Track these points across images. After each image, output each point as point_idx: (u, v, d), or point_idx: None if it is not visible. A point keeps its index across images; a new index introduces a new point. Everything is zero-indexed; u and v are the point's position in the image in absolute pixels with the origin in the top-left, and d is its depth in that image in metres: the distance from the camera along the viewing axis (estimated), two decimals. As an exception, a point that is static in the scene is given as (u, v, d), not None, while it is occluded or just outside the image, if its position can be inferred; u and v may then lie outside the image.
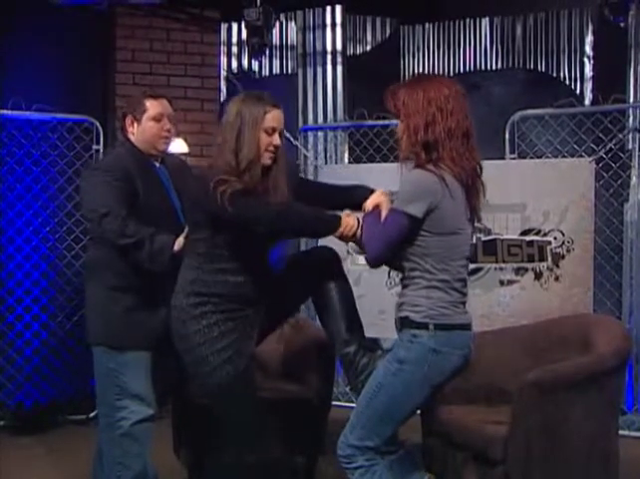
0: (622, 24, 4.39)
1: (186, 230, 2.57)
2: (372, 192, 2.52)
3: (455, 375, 2.38)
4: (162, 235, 2.61)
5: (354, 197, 2.54)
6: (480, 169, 2.36)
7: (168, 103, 2.81)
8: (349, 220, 2.39)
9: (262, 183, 2.45)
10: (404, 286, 2.36)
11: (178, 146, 4.39)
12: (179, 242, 2.58)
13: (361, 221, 2.41)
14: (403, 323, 2.33)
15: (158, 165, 2.80)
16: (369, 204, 2.44)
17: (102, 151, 4.51)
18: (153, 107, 2.74)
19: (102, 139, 4.51)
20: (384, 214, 2.37)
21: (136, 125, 2.75)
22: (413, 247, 2.30)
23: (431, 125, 2.27)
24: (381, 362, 2.40)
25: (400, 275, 2.40)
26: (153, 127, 2.74)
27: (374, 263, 2.37)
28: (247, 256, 2.49)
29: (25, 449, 3.93)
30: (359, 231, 2.39)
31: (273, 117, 2.44)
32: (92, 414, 4.42)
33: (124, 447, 2.72)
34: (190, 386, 2.88)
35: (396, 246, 2.30)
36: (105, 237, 2.65)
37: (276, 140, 2.45)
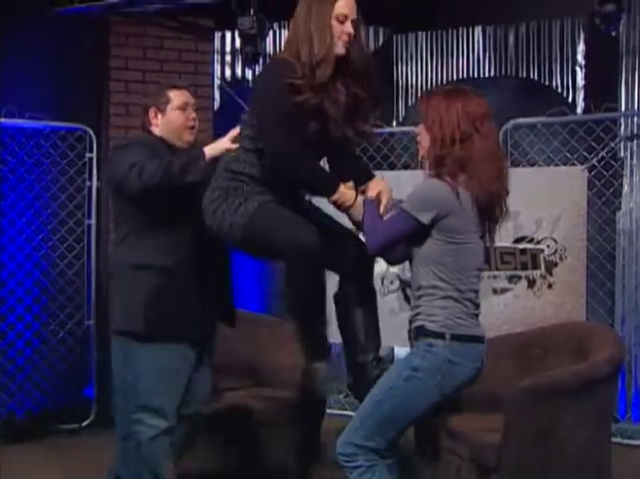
0: (613, 33, 4.42)
1: (234, 131, 2.47)
2: (371, 176, 2.49)
3: (465, 387, 2.38)
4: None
5: (355, 175, 2.47)
6: (507, 192, 2.36)
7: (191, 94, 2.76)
8: (347, 192, 2.37)
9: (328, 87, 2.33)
10: (418, 297, 2.35)
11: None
12: (227, 145, 2.46)
13: (359, 201, 2.38)
14: (418, 333, 2.33)
15: None
16: (372, 191, 2.41)
17: (95, 159, 4.51)
18: (176, 97, 2.69)
19: (95, 147, 4.51)
20: (384, 201, 2.37)
21: (160, 116, 2.68)
22: (424, 254, 2.32)
23: (467, 142, 2.26)
24: (392, 367, 2.39)
25: (413, 287, 2.40)
26: (179, 116, 2.68)
27: (372, 254, 2.39)
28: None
29: (17, 458, 3.90)
30: (355, 207, 2.37)
31: (344, 4, 2.35)
32: (84, 423, 4.42)
33: (138, 461, 2.61)
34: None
35: (397, 244, 2.35)
36: (140, 189, 2.49)
37: (348, 28, 2.34)
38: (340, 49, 2.35)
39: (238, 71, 5.36)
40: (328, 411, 3.77)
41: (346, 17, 2.35)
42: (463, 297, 2.31)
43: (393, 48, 5.49)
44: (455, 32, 5.38)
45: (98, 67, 4.63)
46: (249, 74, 5.33)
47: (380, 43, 5.50)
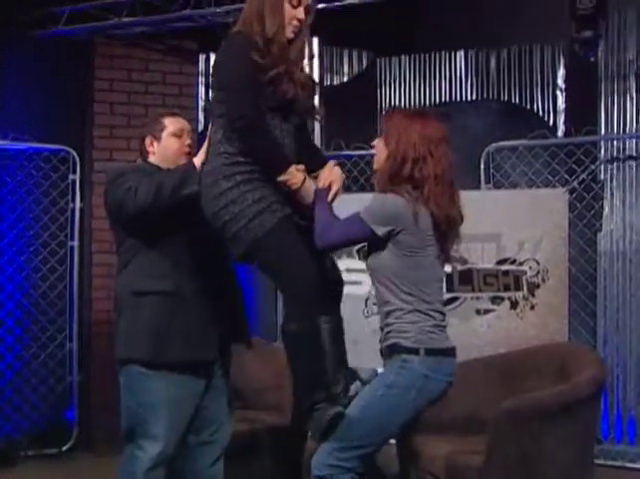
0: (592, 58, 4.49)
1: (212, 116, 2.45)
2: (324, 162, 2.47)
3: (437, 402, 2.39)
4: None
5: (308, 159, 2.45)
6: (462, 218, 2.40)
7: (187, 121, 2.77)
8: (297, 174, 2.33)
9: (287, 59, 2.35)
10: (387, 315, 2.36)
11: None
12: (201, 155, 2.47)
13: (309, 186, 2.35)
14: (392, 350, 2.34)
15: None
16: (324, 180, 2.40)
17: (78, 180, 4.50)
18: (171, 124, 2.70)
19: (78, 168, 4.51)
20: (334, 189, 2.37)
21: (155, 144, 2.69)
22: (385, 269, 2.33)
23: (420, 162, 2.31)
24: (367, 387, 2.38)
25: (378, 304, 2.41)
26: (174, 143, 2.69)
27: (323, 249, 2.38)
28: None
29: None
30: (303, 189, 2.33)
31: None
32: (64, 447, 4.37)
33: None
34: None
35: (349, 245, 2.53)
36: (136, 210, 2.50)
37: (300, 13, 2.37)
38: (288, 33, 2.38)
39: (222, 93, 5.39)
40: None
41: (300, 2, 2.38)
42: (430, 309, 2.33)
43: (376, 71, 5.53)
44: (437, 56, 5.43)
45: (82, 89, 4.64)
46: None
47: (364, 66, 5.56)
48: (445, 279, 4.01)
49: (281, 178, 2.32)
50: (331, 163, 2.48)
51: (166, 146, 2.69)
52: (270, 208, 2.33)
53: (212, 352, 2.63)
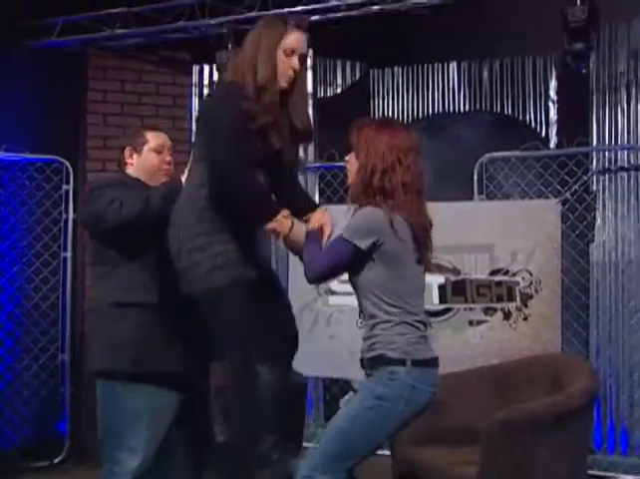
0: (584, 70, 4.51)
1: (192, 157, 2.47)
2: (314, 206, 2.53)
3: (422, 413, 2.39)
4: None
5: (296, 205, 2.49)
6: (431, 226, 2.43)
7: (168, 137, 2.78)
8: (284, 221, 2.36)
9: (277, 110, 2.36)
10: (373, 327, 2.37)
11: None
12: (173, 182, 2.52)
13: (298, 229, 2.38)
14: (378, 362, 2.34)
15: None
16: (314, 222, 2.44)
17: (72, 191, 4.50)
18: (153, 139, 2.72)
19: (72, 179, 4.51)
20: (326, 232, 2.42)
21: (135, 156, 2.71)
22: (368, 283, 2.35)
23: (389, 172, 2.33)
24: (355, 396, 2.38)
25: (364, 318, 2.41)
26: (154, 158, 2.71)
27: (311, 282, 2.45)
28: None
29: None
30: (295, 235, 2.37)
31: (295, 38, 2.37)
32: (56, 460, 4.35)
33: None
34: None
35: (336, 271, 2.41)
36: (119, 223, 2.52)
37: (295, 62, 2.37)
38: (282, 83, 2.38)
39: (216, 104, 5.41)
40: (305, 444, 3.75)
41: (293, 51, 2.37)
42: (415, 320, 2.36)
43: (369, 82, 5.56)
44: (430, 67, 5.46)
45: (76, 100, 4.66)
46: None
47: (357, 78, 5.59)
48: (437, 290, 4.07)
49: (269, 226, 2.34)
50: (322, 207, 2.52)
51: (146, 160, 2.71)
52: (229, 265, 2.34)
53: (194, 366, 2.63)
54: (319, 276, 2.42)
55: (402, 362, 2.31)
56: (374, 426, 2.32)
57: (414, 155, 2.38)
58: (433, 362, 2.39)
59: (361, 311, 2.44)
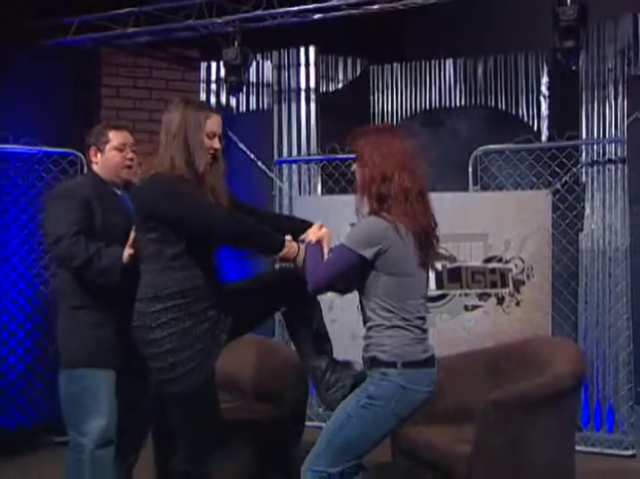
0: (574, 67, 4.58)
1: (132, 235, 2.57)
2: (308, 224, 2.58)
3: (421, 408, 2.45)
4: (111, 247, 2.61)
5: (290, 227, 2.58)
6: (435, 224, 2.44)
7: (130, 134, 2.87)
8: (292, 245, 2.44)
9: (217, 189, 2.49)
10: (369, 328, 2.41)
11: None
12: (127, 252, 2.58)
13: (302, 248, 2.46)
14: (372, 363, 2.39)
15: (119, 192, 2.84)
16: (311, 236, 2.48)
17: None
18: (115, 137, 2.80)
19: (85, 171, 4.64)
20: (325, 246, 2.46)
21: (99, 155, 2.81)
22: (369, 289, 2.37)
23: (388, 180, 2.34)
24: (353, 393, 2.44)
25: (363, 320, 2.45)
26: (115, 156, 2.80)
27: (315, 292, 2.44)
28: (197, 254, 2.48)
29: (9, 472, 3.93)
30: (300, 256, 2.44)
31: (213, 122, 2.51)
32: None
33: (83, 473, 2.69)
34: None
35: (340, 279, 2.38)
36: (58, 261, 2.75)
37: (216, 143, 2.51)
38: (208, 161, 2.49)
39: (223, 99, 5.46)
40: (308, 424, 3.81)
41: (214, 134, 2.51)
42: (409, 325, 2.36)
43: (369, 78, 5.62)
44: (427, 64, 5.51)
45: (90, 95, 4.77)
46: (233, 102, 5.45)
47: (357, 73, 5.62)
48: (435, 277, 4.12)
49: (282, 253, 2.44)
50: (318, 223, 2.56)
51: (109, 158, 2.81)
52: (195, 369, 2.45)
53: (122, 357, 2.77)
54: (323, 286, 2.38)
55: (393, 364, 2.33)
56: (368, 424, 2.36)
57: (413, 159, 2.38)
58: (427, 363, 2.38)
59: (362, 313, 2.46)
